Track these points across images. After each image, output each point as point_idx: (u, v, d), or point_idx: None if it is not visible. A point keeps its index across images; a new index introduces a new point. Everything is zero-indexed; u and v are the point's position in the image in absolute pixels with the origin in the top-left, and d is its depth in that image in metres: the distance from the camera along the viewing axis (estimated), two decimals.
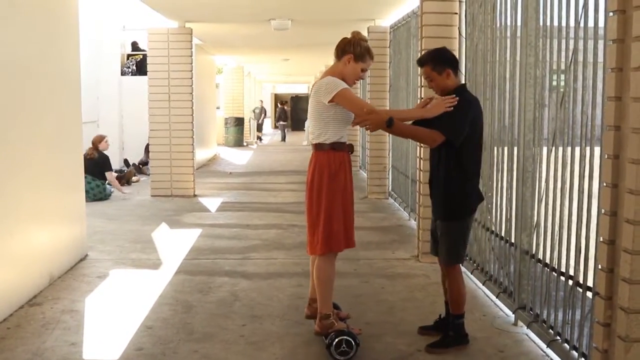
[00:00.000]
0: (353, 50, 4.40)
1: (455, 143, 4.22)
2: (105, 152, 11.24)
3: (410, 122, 4.49)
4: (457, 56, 6.34)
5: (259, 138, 29.71)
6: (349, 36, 4.49)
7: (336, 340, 4.23)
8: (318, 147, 4.43)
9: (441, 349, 4.39)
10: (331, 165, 4.38)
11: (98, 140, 11.10)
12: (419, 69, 4.59)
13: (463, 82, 4.52)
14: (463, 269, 6.22)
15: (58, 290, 5.72)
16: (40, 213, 5.78)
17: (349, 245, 4.50)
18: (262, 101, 34.21)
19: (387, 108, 10.60)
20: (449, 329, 4.49)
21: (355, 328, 4.56)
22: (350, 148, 4.52)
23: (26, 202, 5.45)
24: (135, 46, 16.40)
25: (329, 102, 4.28)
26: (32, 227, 5.59)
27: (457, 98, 4.24)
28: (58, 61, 6.32)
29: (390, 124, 4.23)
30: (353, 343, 4.23)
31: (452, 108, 4.22)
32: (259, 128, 30.68)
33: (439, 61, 4.41)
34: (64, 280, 6.01)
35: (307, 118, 4.83)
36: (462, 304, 4.47)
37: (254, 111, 29.33)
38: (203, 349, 4.42)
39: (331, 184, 4.37)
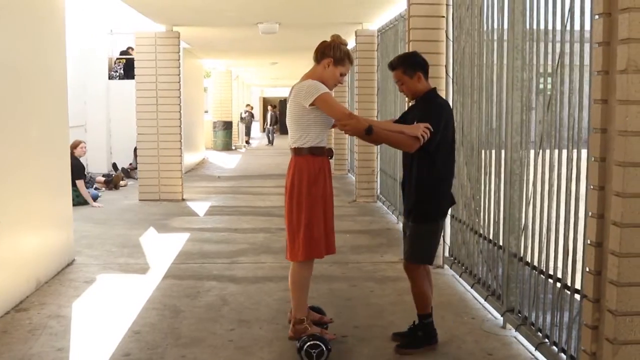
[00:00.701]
0: (333, 54, 4.39)
1: (430, 148, 4.24)
2: (80, 159, 11.09)
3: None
4: (445, 59, 6.38)
5: (247, 142, 29.59)
6: (328, 39, 4.48)
7: (306, 345, 4.22)
8: (297, 151, 4.38)
9: (411, 349, 4.44)
10: (310, 170, 4.34)
11: (74, 146, 10.74)
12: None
13: (433, 86, 4.57)
14: (451, 272, 6.26)
15: (45, 295, 5.68)
16: (27, 218, 5.74)
17: (329, 252, 4.49)
18: (251, 106, 33.43)
19: (375, 111, 10.63)
20: (417, 329, 4.54)
21: (329, 333, 4.53)
22: (329, 153, 4.49)
23: (12, 207, 5.41)
24: (128, 53, 16.31)
25: (309, 105, 4.25)
26: (19, 232, 5.55)
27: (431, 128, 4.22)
28: (44, 65, 6.29)
29: (369, 132, 4.22)
30: (324, 348, 4.21)
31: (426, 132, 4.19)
32: (248, 132, 30.60)
33: (410, 65, 4.48)
34: (50, 286, 5.97)
35: None
36: (428, 304, 4.52)
37: (241, 117, 29.15)
38: (191, 354, 4.40)
39: (311, 190, 4.33)
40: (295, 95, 4.33)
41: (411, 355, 4.39)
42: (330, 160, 4.54)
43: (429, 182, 4.35)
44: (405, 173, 4.53)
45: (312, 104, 4.24)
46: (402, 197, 4.62)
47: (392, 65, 4.54)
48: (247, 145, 28.53)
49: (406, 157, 4.48)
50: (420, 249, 4.44)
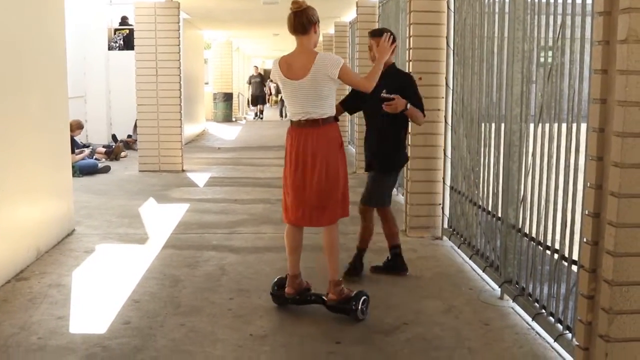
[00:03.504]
0: (317, 18, 4.52)
1: (405, 112, 5.17)
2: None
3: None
4: (445, 30, 6.36)
5: (259, 113, 26.47)
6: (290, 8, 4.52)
7: (361, 304, 4.51)
8: (322, 122, 4.48)
9: (382, 272, 5.52)
10: (338, 135, 4.62)
11: (72, 129, 10.40)
12: (381, 37, 4.95)
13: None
14: (450, 243, 6.29)
15: (45, 264, 5.71)
16: (27, 188, 5.75)
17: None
18: (257, 67, 28.81)
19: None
20: (389, 259, 5.58)
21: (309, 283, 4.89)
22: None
23: (12, 178, 5.42)
24: (124, 21, 16.23)
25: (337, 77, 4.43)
26: (19, 202, 5.57)
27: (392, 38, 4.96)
28: (43, 36, 6.25)
29: (406, 108, 5.10)
30: (368, 297, 4.63)
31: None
32: (258, 100, 26.67)
33: (394, 38, 5.04)
34: (51, 255, 5.99)
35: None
36: (397, 236, 5.57)
37: (249, 82, 26.74)
38: (190, 322, 4.44)
39: (342, 152, 4.64)
40: (321, 67, 4.39)
41: (381, 274, 5.48)
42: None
43: (396, 140, 5.35)
44: (374, 132, 5.38)
45: (338, 76, 4.43)
46: (366, 151, 5.50)
47: (380, 32, 5.16)
48: (256, 117, 26.22)
49: (383, 122, 5.23)
50: (386, 193, 5.47)
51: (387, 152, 5.35)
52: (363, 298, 4.54)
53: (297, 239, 4.72)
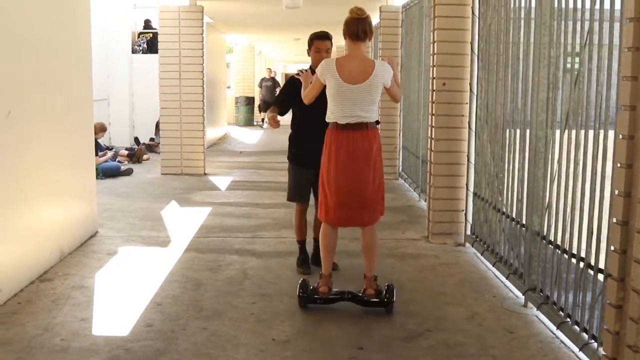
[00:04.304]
0: (373, 30, 4.72)
1: None
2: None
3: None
4: (470, 36, 6.34)
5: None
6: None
7: (391, 291, 4.74)
8: (370, 125, 4.71)
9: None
10: (379, 139, 4.84)
11: (97, 130, 10.71)
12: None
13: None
14: (473, 250, 6.26)
15: (68, 266, 5.74)
16: (51, 190, 5.79)
17: None
18: (270, 70, 25.55)
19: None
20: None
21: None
22: None
23: (37, 179, 5.46)
24: (147, 24, 16.35)
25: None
26: (43, 204, 5.61)
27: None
28: (69, 39, 6.30)
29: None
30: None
31: None
32: (269, 106, 25.15)
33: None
34: (74, 257, 6.03)
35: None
36: (296, 234, 5.87)
37: (260, 85, 24.06)
38: (212, 326, 4.44)
39: (381, 155, 4.86)
40: (380, 74, 4.62)
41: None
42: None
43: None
44: (319, 126, 4.88)
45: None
46: (314, 150, 5.01)
47: (329, 37, 5.44)
48: (263, 124, 23.11)
49: (322, 113, 4.84)
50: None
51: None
52: (394, 291, 4.73)
53: (334, 239, 4.88)
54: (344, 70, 4.59)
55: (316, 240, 5.64)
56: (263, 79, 24.10)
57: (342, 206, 4.70)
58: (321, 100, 4.81)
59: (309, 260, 5.79)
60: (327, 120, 4.74)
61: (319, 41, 5.42)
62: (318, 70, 4.75)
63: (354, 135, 4.62)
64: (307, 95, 4.93)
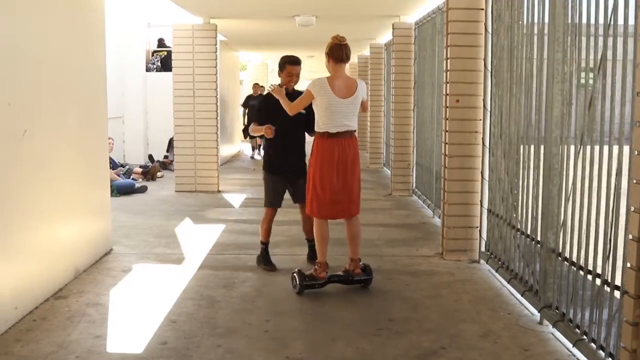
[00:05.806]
0: None
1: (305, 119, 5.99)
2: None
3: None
4: (483, 52, 6.34)
5: (257, 148, 18.20)
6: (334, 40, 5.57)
7: (369, 269, 5.73)
8: (353, 133, 5.58)
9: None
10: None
11: None
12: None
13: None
14: (487, 266, 6.23)
15: (83, 283, 5.76)
16: (66, 207, 5.82)
17: None
18: (257, 85, 19.60)
19: (412, 104, 10.62)
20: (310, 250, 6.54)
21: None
22: None
23: (52, 197, 5.49)
24: (161, 43, 16.48)
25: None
26: (58, 221, 5.63)
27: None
28: (84, 56, 6.36)
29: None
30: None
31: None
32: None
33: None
34: (89, 274, 6.05)
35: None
36: (262, 235, 6.46)
37: (245, 104, 19.35)
38: (226, 343, 4.43)
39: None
40: (361, 90, 5.57)
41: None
42: (360, 152, 5.83)
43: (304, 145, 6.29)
44: (292, 140, 6.19)
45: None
46: (289, 160, 6.25)
47: (300, 62, 6.21)
48: (254, 154, 18.40)
49: (299, 128, 6.14)
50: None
51: (304, 158, 6.25)
52: (372, 269, 5.74)
53: (327, 230, 5.68)
54: (334, 87, 5.44)
55: (309, 240, 6.49)
56: (249, 97, 18.77)
57: (335, 202, 5.55)
58: (295, 117, 5.79)
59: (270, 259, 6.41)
60: (316, 130, 5.53)
61: (291, 66, 6.16)
62: (312, 87, 5.49)
63: (343, 142, 5.49)
64: (294, 107, 5.68)
